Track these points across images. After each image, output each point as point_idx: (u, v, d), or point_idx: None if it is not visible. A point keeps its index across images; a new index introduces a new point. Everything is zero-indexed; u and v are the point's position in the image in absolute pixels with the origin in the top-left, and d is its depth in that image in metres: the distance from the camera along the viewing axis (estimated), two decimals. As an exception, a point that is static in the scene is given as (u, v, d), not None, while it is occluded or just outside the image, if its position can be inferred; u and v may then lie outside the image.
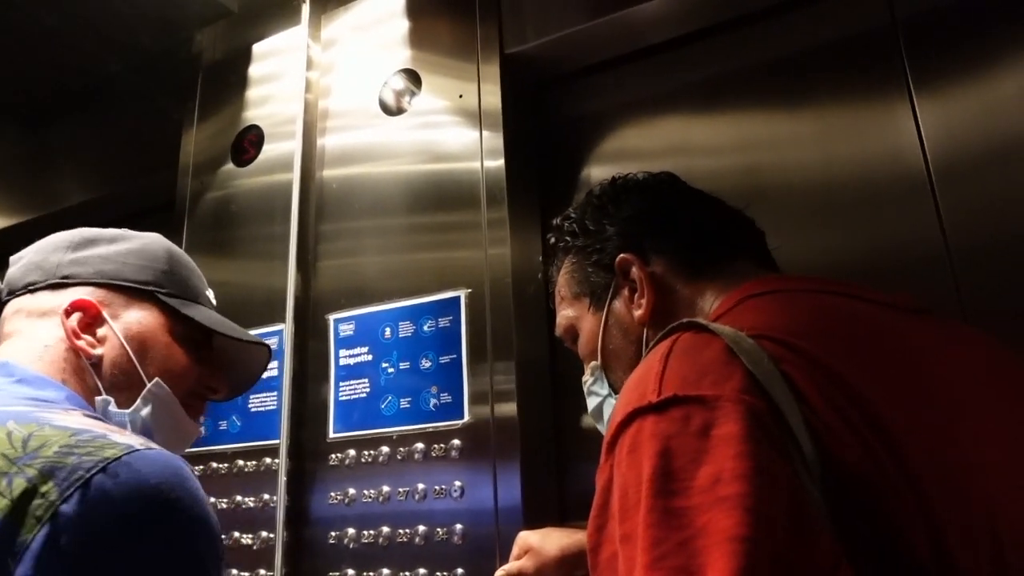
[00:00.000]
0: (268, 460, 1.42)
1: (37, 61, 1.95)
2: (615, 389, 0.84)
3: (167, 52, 1.88)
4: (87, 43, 1.86)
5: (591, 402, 0.88)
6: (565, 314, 0.89)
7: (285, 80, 1.67)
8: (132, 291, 0.84)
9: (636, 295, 0.80)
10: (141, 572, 0.55)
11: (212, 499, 1.46)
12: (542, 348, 1.33)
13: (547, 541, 1.05)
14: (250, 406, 1.49)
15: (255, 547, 1.39)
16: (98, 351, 0.80)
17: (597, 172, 1.40)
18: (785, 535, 0.46)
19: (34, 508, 0.53)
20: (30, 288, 0.82)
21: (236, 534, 1.42)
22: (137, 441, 0.63)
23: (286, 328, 1.45)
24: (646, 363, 0.59)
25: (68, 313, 0.80)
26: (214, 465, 1.49)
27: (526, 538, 1.08)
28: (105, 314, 0.82)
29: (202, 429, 0.92)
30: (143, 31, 1.81)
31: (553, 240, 0.93)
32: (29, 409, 0.65)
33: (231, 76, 1.76)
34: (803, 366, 0.54)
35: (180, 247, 1.67)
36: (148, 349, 0.84)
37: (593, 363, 0.86)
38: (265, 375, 1.48)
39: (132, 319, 0.83)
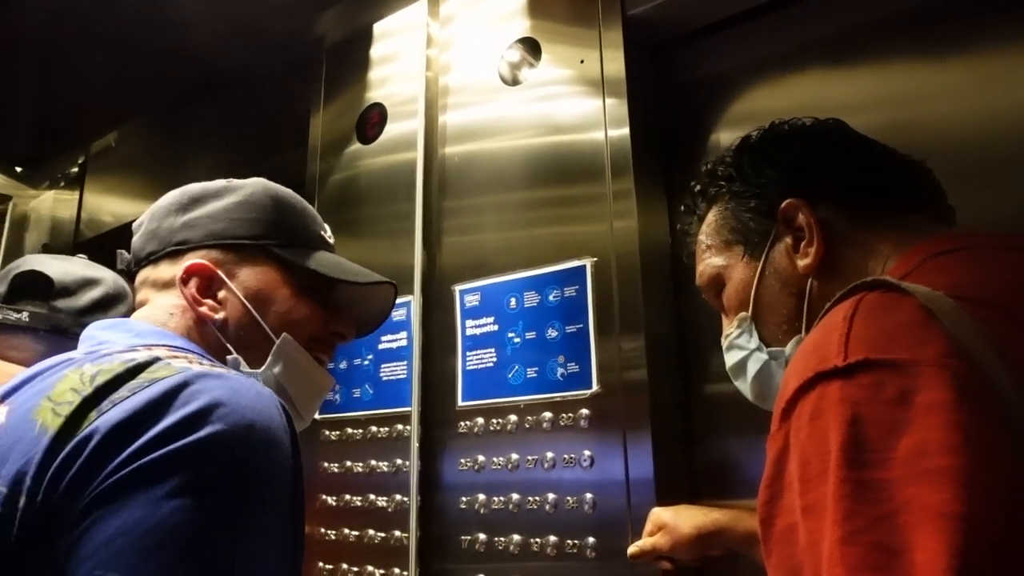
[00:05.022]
0: (400, 427, 1.48)
1: (174, 49, 2.08)
2: (766, 343, 0.81)
3: (292, 36, 1.96)
4: (219, 28, 1.97)
5: (733, 357, 0.85)
6: (711, 263, 0.86)
7: (405, 59, 1.70)
8: (245, 247, 0.84)
9: (803, 243, 0.76)
10: (163, 493, 0.54)
11: (348, 463, 1.55)
12: (670, 319, 1.30)
13: (681, 519, 1.04)
14: (381, 375, 1.56)
15: (389, 509, 1.46)
16: (220, 315, 0.80)
17: (725, 137, 1.35)
18: (1004, 514, 0.43)
19: (80, 422, 0.57)
20: (151, 259, 0.83)
21: (372, 496, 1.49)
22: (202, 369, 0.64)
23: (414, 300, 1.50)
24: (826, 325, 0.56)
25: (184, 281, 0.80)
26: (349, 431, 1.57)
27: (660, 515, 1.07)
28: (221, 275, 0.81)
29: (333, 381, 0.92)
30: (270, 16, 1.89)
31: (699, 188, 0.90)
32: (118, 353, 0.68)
33: (353, 56, 1.82)
34: (1010, 328, 0.50)
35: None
36: (270, 305, 0.83)
37: (742, 314, 0.82)
38: (394, 345, 1.56)
39: (249, 277, 0.83)
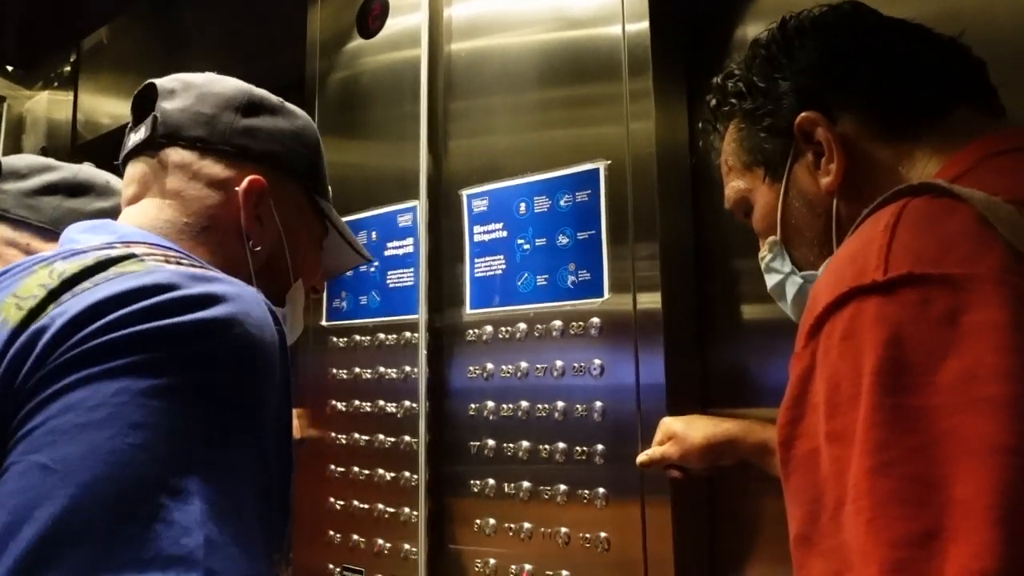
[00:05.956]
0: (408, 334, 1.47)
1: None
2: (798, 266, 0.77)
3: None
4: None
5: (771, 279, 0.81)
6: (735, 186, 0.80)
7: (408, -56, 1.58)
8: (291, 181, 0.80)
9: (823, 160, 0.69)
10: (109, 372, 0.49)
11: (357, 369, 1.54)
12: (686, 224, 1.26)
13: (692, 428, 1.03)
14: (388, 282, 1.53)
15: (399, 415, 1.46)
16: (263, 240, 0.75)
17: (752, 30, 1.25)
18: None
19: (39, 314, 0.53)
20: (198, 145, 0.74)
21: (381, 402, 1.50)
22: (179, 267, 0.59)
23: (420, 205, 1.45)
24: (864, 234, 0.51)
25: (247, 193, 0.73)
26: (357, 338, 1.56)
27: (670, 424, 1.06)
28: (270, 201, 0.76)
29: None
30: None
31: (714, 102, 0.83)
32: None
33: (353, -56, 1.69)
34: None
35: (312, 128, 1.72)
36: (297, 245, 0.80)
37: (771, 238, 0.77)
38: (400, 252, 1.52)
39: (290, 213, 0.79)
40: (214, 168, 0.74)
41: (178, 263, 0.61)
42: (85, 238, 0.68)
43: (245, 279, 0.72)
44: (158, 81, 0.78)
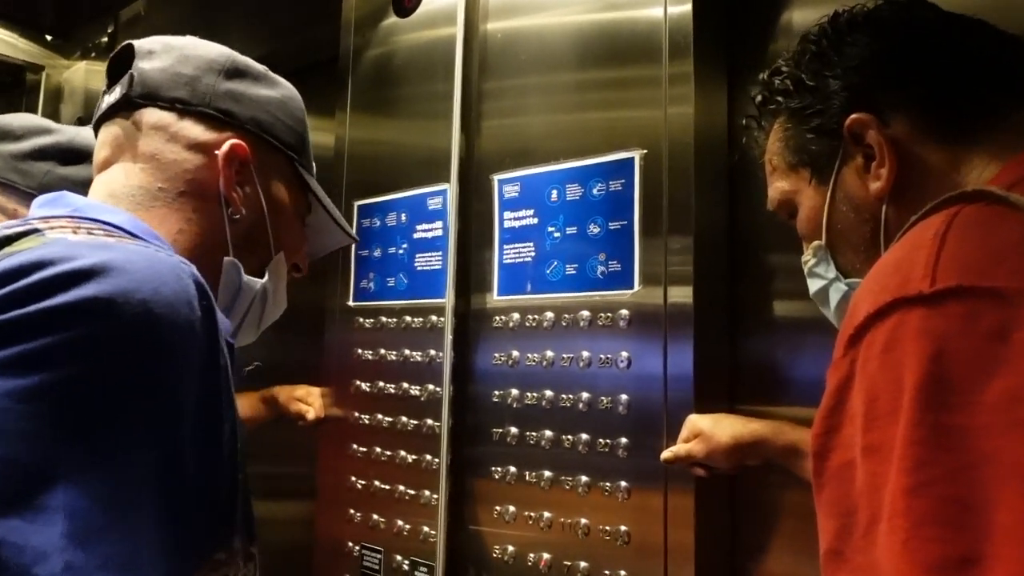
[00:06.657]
0: (434, 318, 1.46)
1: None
2: (843, 272, 0.74)
3: None
4: None
5: (814, 285, 0.78)
6: (779, 186, 0.78)
7: (446, -80, 1.55)
8: (276, 151, 0.76)
9: (873, 164, 0.66)
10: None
11: (382, 351, 1.54)
12: (722, 217, 1.22)
13: (719, 427, 1.01)
14: (416, 265, 1.52)
15: (423, 399, 1.46)
16: (243, 209, 0.72)
17: (798, 15, 1.21)
18: None
19: None
20: (178, 106, 0.70)
21: (405, 385, 1.49)
22: (82, 237, 0.53)
23: (450, 188, 1.44)
24: (912, 241, 0.49)
25: (228, 157, 0.70)
26: (383, 319, 1.56)
27: (697, 422, 1.04)
28: (253, 169, 0.73)
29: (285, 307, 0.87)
30: None
31: (760, 99, 0.80)
32: None
33: (391, -82, 1.67)
34: None
35: (345, 106, 1.71)
36: (279, 219, 0.77)
37: (816, 243, 0.75)
38: (429, 235, 1.51)
39: (274, 184, 0.76)
40: (194, 130, 0.70)
41: (89, 232, 0.56)
42: (39, 213, 0.62)
43: (222, 249, 0.70)
44: (136, 42, 0.74)
